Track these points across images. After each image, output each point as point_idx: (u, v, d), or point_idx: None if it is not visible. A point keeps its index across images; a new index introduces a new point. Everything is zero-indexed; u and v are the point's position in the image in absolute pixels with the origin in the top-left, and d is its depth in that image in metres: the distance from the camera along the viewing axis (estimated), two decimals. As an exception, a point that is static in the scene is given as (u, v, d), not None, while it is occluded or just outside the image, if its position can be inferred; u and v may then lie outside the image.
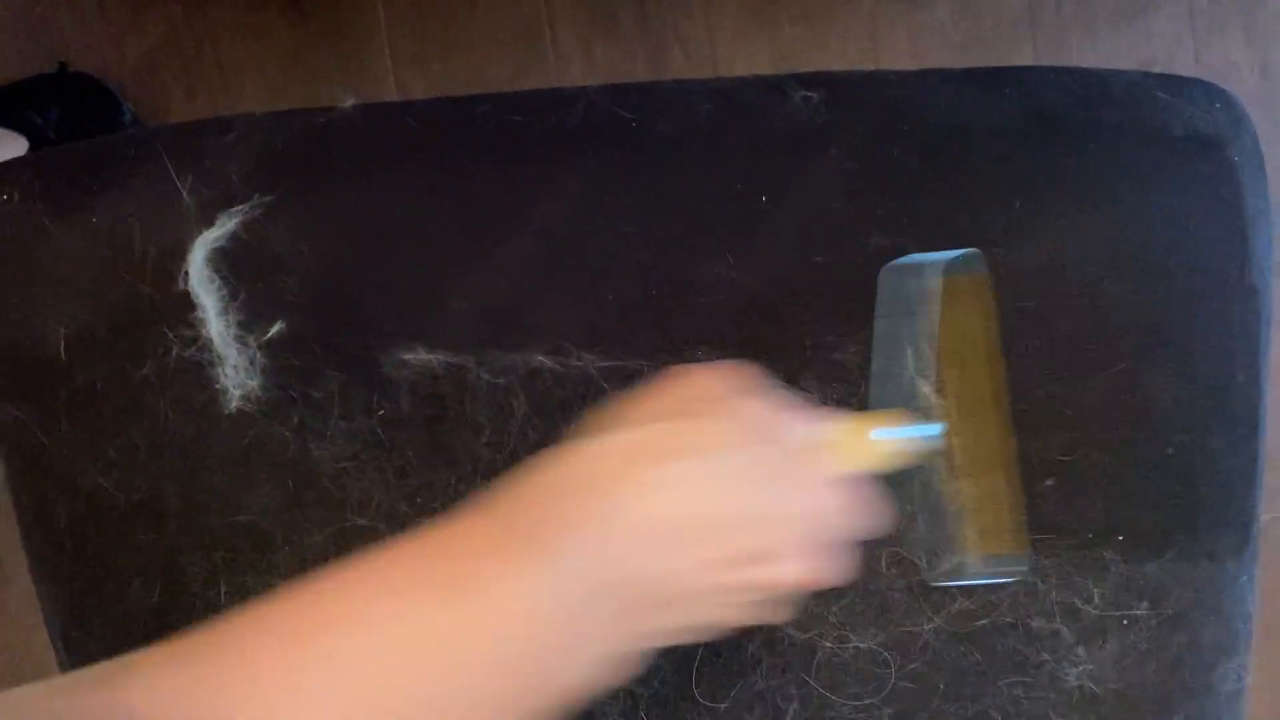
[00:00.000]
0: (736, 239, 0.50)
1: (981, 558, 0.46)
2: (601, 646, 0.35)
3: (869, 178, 0.50)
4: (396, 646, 0.31)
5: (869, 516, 0.39)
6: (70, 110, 1.01)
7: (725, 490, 0.35)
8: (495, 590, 0.32)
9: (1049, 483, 0.50)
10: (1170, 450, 0.50)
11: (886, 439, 0.41)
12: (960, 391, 0.46)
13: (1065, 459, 0.50)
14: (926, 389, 0.43)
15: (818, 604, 0.50)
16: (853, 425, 0.41)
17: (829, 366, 0.50)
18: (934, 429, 0.43)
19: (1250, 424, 0.51)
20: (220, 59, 1.08)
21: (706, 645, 0.50)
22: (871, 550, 0.50)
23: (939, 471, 0.44)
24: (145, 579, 0.50)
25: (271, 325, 0.49)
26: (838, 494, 0.38)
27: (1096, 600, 0.50)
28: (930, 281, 0.44)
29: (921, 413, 0.42)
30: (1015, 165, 0.51)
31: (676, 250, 0.50)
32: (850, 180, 0.50)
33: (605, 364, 0.50)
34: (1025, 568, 0.49)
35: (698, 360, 0.50)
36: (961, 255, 0.46)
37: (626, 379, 0.50)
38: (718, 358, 0.50)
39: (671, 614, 0.36)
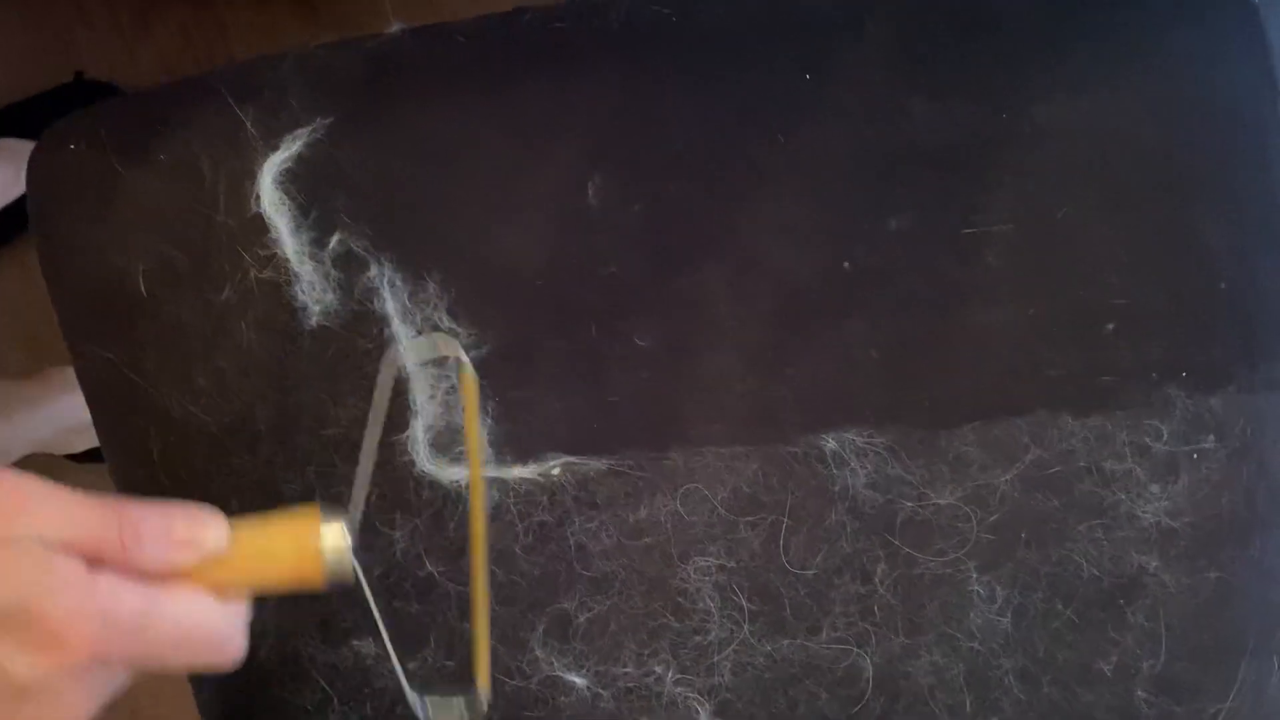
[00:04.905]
0: (785, 119, 0.52)
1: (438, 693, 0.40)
2: None
3: (907, 49, 0.52)
4: None
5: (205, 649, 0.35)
6: (92, 116, 1.02)
7: None
8: None
9: (1110, 327, 0.51)
10: (1223, 285, 0.52)
11: (313, 545, 0.36)
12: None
13: (1123, 302, 0.51)
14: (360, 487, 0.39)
15: (896, 467, 0.51)
16: (250, 531, 0.36)
17: (886, 239, 0.51)
18: (338, 537, 0.36)
19: (1297, 254, 0.52)
20: (233, 57, 1.10)
21: (792, 517, 0.52)
22: (947, 406, 0.51)
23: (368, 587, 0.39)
24: (242, 499, 0.51)
25: (342, 240, 0.51)
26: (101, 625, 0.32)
27: (1165, 437, 0.52)
28: (402, 365, 0.42)
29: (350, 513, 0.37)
30: (1045, 26, 0.52)
31: (728, 137, 0.52)
32: (890, 53, 0.52)
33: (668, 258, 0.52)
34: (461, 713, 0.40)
35: (767, 248, 0.51)
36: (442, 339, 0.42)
37: (693, 274, 0.52)
38: (789, 242, 0.51)
39: None
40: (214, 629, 0.35)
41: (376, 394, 0.39)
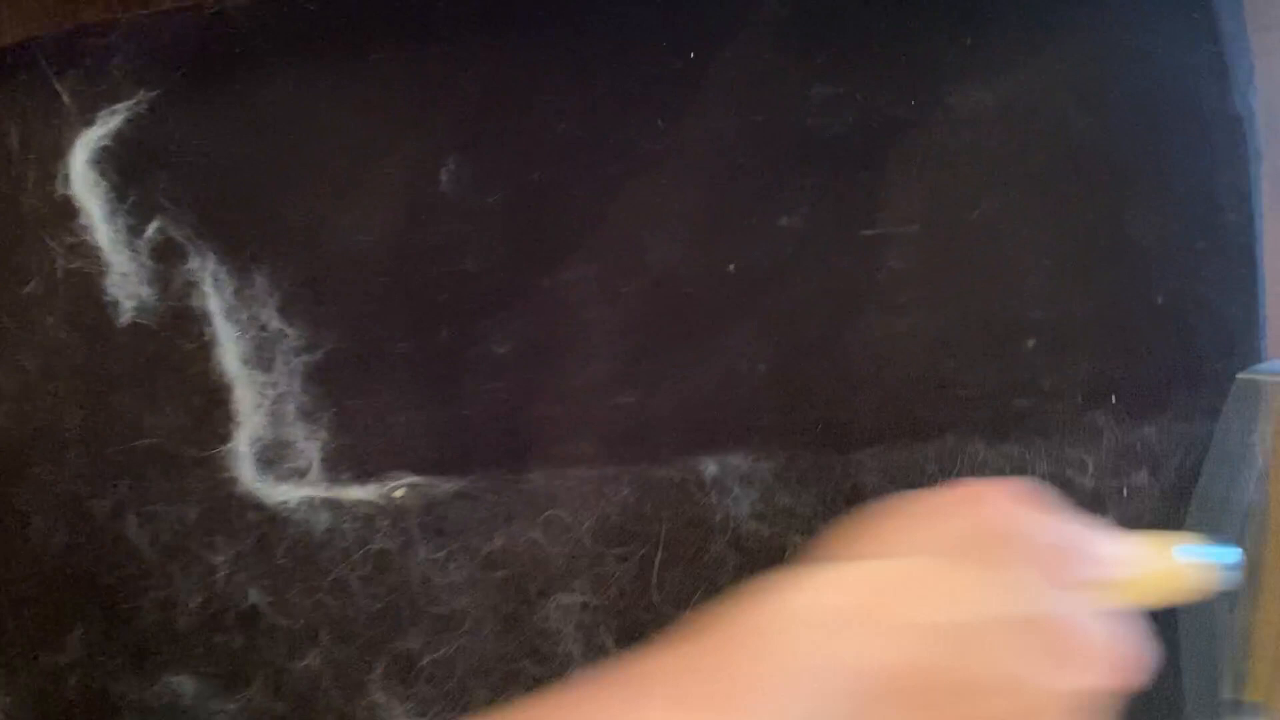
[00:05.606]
0: (666, 102, 0.46)
1: (1235, 704, 0.42)
2: None
3: (804, 26, 0.46)
4: None
5: (1140, 671, 0.34)
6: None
7: (984, 655, 0.31)
8: None
9: (1030, 343, 0.46)
10: (1160, 299, 0.46)
11: (1188, 564, 0.37)
12: None
13: (1045, 315, 0.46)
14: (1239, 519, 0.40)
15: (785, 496, 0.46)
16: (1153, 550, 0.37)
17: (776, 238, 0.46)
18: (1233, 556, 0.38)
19: (1246, 265, 0.46)
20: (164, 40, 1.05)
21: (667, 549, 0.46)
22: (843, 428, 0.45)
23: (1222, 609, 0.40)
24: (45, 516, 0.46)
25: (161, 227, 0.45)
26: (1113, 654, 0.33)
27: (1091, 469, 0.46)
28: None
29: (1227, 542, 0.38)
30: (962, 0, 0.47)
31: (602, 121, 0.46)
32: (785, 31, 0.46)
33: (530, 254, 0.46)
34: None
35: (643, 247, 0.46)
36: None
37: (558, 273, 0.46)
38: (668, 240, 0.46)
39: None
40: (1134, 647, 0.34)
41: None
